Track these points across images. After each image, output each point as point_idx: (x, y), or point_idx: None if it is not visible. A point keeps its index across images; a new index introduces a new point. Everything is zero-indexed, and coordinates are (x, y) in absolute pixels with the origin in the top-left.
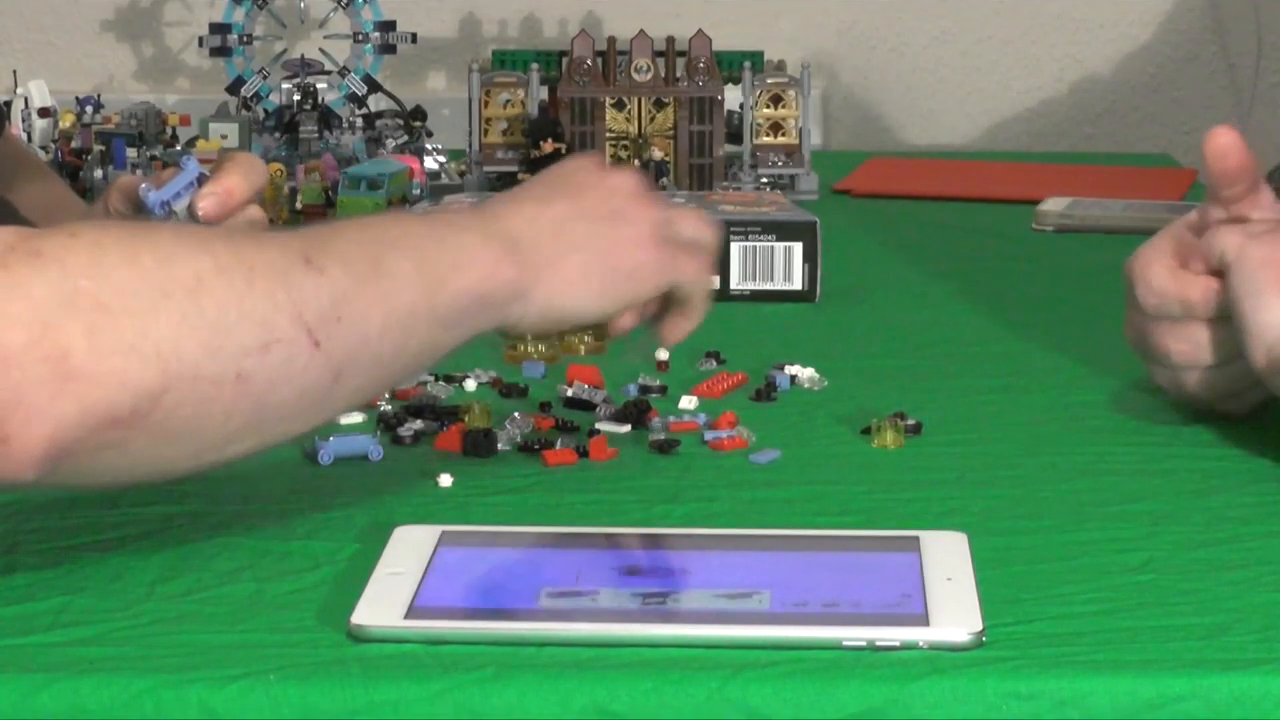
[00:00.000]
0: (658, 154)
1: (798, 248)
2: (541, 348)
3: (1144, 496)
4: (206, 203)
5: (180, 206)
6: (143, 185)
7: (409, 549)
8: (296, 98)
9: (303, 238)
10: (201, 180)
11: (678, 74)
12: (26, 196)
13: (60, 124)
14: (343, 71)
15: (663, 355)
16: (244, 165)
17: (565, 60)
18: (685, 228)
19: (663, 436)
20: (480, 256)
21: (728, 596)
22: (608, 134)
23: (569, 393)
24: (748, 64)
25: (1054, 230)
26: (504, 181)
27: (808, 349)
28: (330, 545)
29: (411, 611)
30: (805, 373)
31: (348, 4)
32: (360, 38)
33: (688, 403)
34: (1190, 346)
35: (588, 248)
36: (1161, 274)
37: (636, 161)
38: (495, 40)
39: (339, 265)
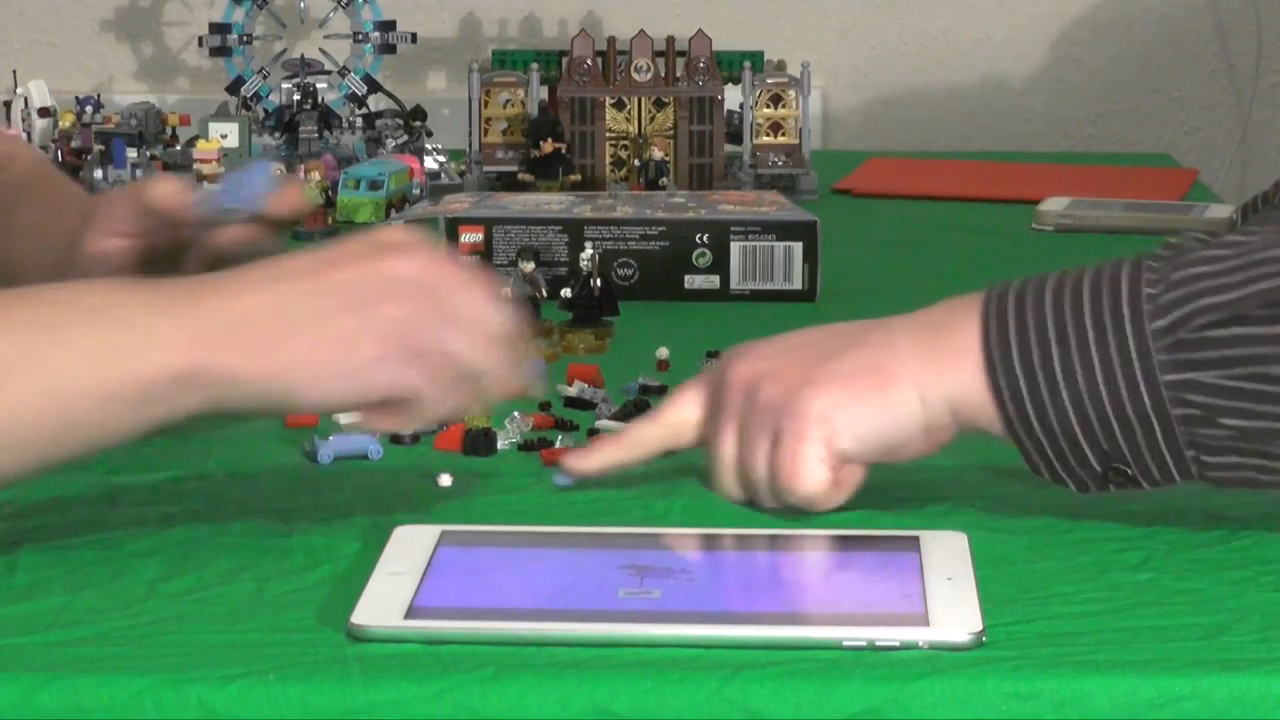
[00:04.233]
0: (658, 154)
1: (798, 248)
2: (542, 347)
3: (1143, 496)
4: (286, 202)
5: (248, 204)
6: (214, 189)
7: (409, 549)
8: (296, 98)
9: None
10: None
11: (678, 74)
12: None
13: (60, 124)
14: (343, 71)
15: (663, 355)
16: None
17: (565, 60)
18: (444, 339)
19: None
20: (183, 337)
21: (728, 597)
22: (608, 134)
23: (569, 392)
24: (748, 64)
25: (1054, 230)
26: (504, 181)
27: None
28: (330, 545)
29: (411, 611)
30: None
31: (348, 4)
32: (360, 38)
33: None
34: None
35: (316, 332)
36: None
37: (636, 161)
38: (495, 40)
39: (7, 333)
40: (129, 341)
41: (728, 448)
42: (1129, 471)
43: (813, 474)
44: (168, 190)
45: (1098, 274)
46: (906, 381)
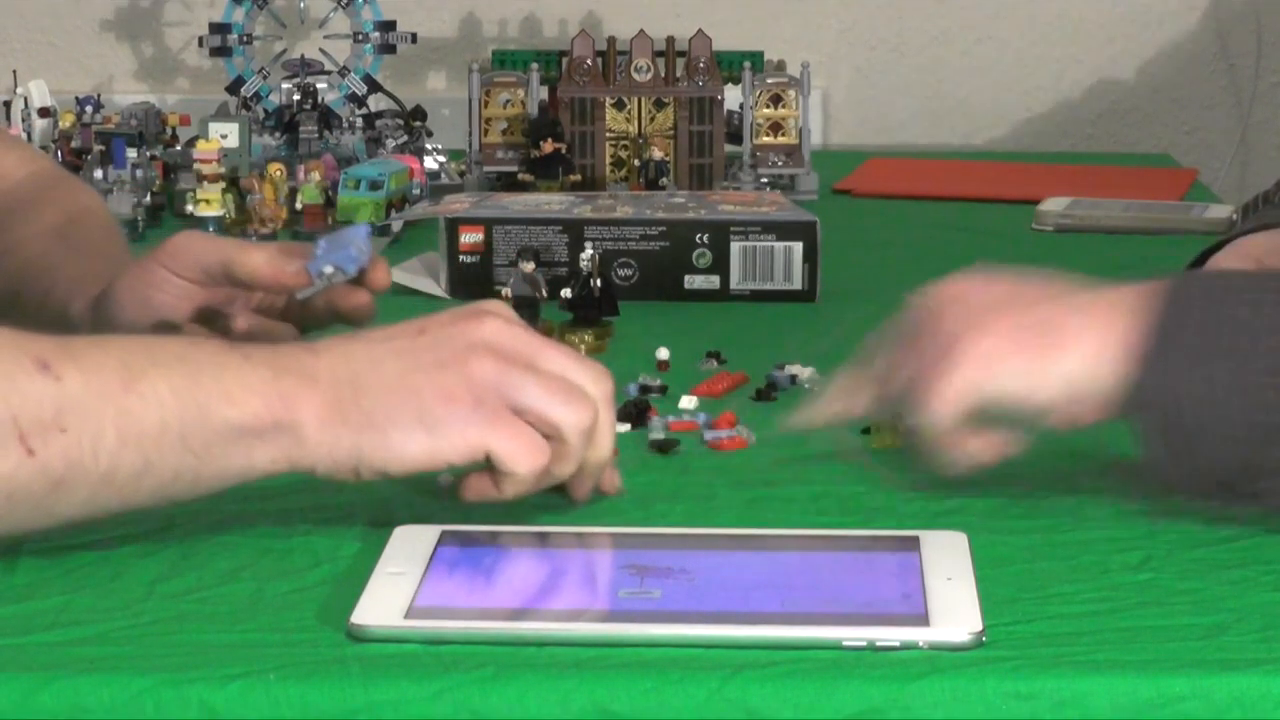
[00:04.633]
0: (658, 154)
1: (798, 248)
2: None
3: (1142, 496)
4: (380, 275)
5: (344, 269)
6: (314, 254)
7: (409, 548)
8: (296, 98)
9: (55, 342)
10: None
11: (678, 74)
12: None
13: (60, 124)
14: (343, 71)
15: (663, 355)
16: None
17: (565, 60)
18: (531, 396)
19: (663, 436)
20: (260, 390)
21: (728, 597)
22: (608, 134)
23: None
24: (748, 64)
25: (1054, 230)
26: (504, 181)
27: (808, 349)
28: (330, 544)
29: (412, 611)
30: (805, 373)
31: (348, 4)
32: (360, 38)
33: (688, 402)
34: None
35: (395, 391)
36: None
37: (636, 161)
38: (495, 40)
39: (80, 375)
40: (218, 392)
41: (890, 349)
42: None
43: (947, 401)
44: (259, 261)
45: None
46: (1076, 351)
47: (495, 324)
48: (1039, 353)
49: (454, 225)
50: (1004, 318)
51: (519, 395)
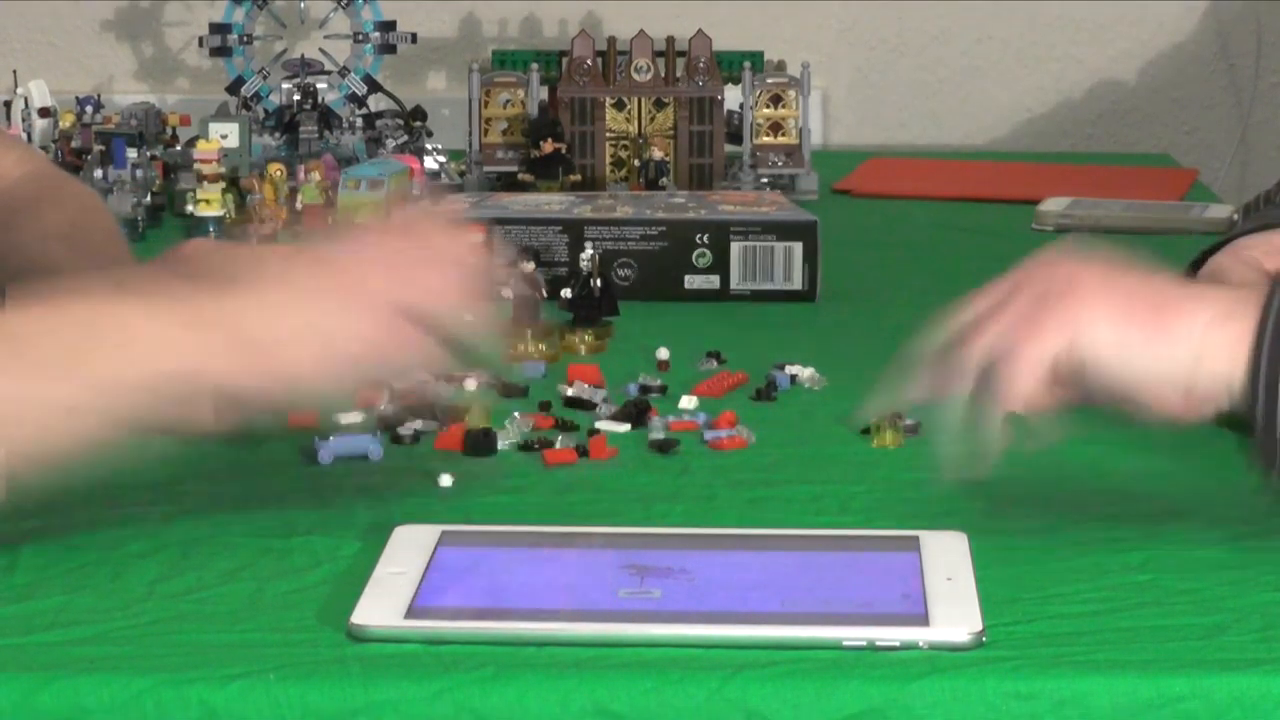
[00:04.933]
0: (658, 154)
1: (798, 248)
2: (542, 347)
3: (1144, 496)
4: None
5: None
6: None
7: (409, 549)
8: (296, 98)
9: None
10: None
11: (678, 74)
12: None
13: (60, 124)
14: (343, 71)
15: (663, 355)
16: None
17: (565, 60)
18: (417, 293)
19: (663, 436)
20: (168, 352)
21: (728, 597)
22: (608, 134)
23: (569, 392)
24: (748, 64)
25: (1054, 230)
26: (504, 181)
27: (808, 349)
28: (330, 544)
29: (411, 611)
30: (805, 373)
31: (348, 4)
32: (360, 38)
33: (688, 402)
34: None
35: (305, 339)
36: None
37: (636, 161)
38: (495, 40)
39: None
40: (114, 365)
41: (996, 294)
42: None
43: (1033, 358)
44: None
45: None
46: (1187, 335)
47: (375, 234)
48: (1149, 326)
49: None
50: (1117, 285)
51: (409, 302)
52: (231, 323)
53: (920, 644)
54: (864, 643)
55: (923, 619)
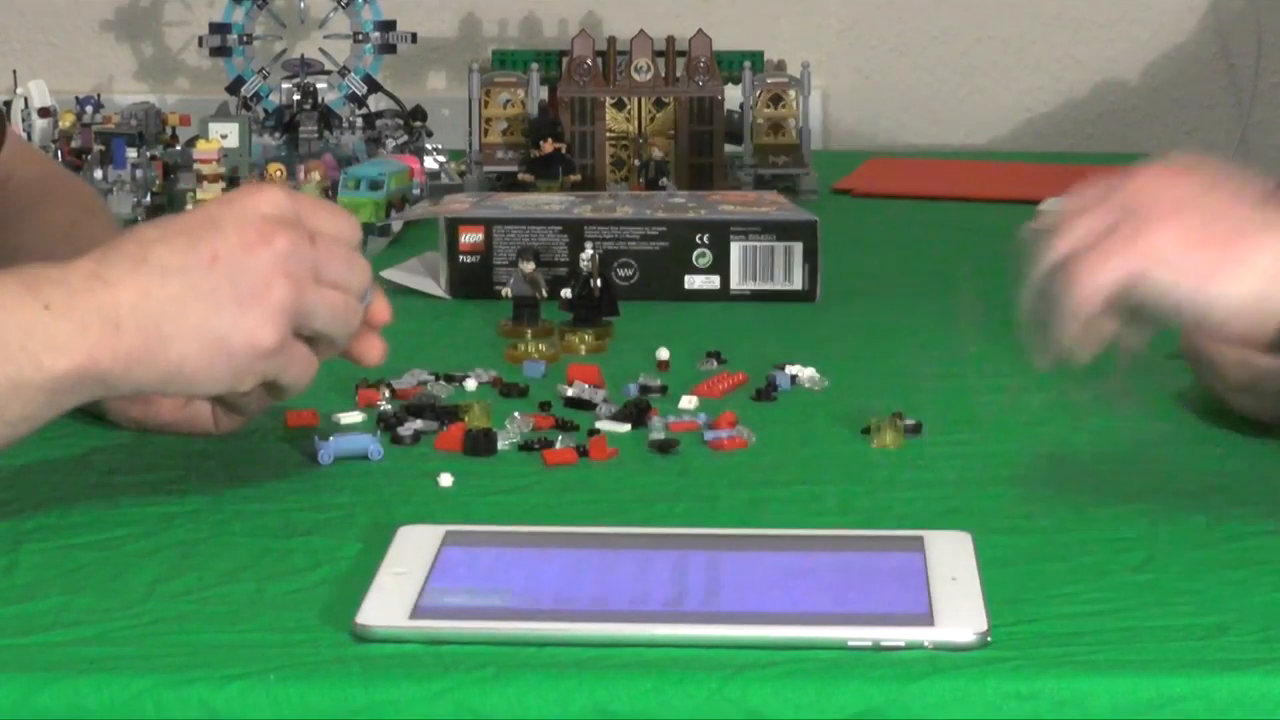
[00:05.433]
0: (658, 154)
1: (798, 248)
2: (542, 347)
3: (1144, 496)
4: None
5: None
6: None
7: (413, 549)
8: (296, 98)
9: None
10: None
11: (678, 74)
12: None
13: (60, 124)
14: (343, 71)
15: (663, 355)
16: None
17: (565, 60)
18: (321, 321)
19: (663, 436)
20: (66, 349)
21: (728, 596)
22: (608, 134)
23: (569, 393)
24: (748, 64)
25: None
26: (504, 181)
27: (808, 349)
28: (331, 545)
29: (417, 611)
30: (805, 373)
31: (348, 4)
32: (360, 38)
33: (688, 402)
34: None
35: (203, 338)
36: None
37: (636, 161)
38: (495, 40)
39: None
40: (14, 365)
41: (1088, 198)
42: None
43: (1098, 279)
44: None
45: None
46: (1257, 267)
47: (283, 239)
48: (1221, 254)
49: (454, 225)
50: (1196, 210)
51: (311, 322)
52: (126, 320)
53: (925, 644)
54: (869, 643)
55: (928, 619)
